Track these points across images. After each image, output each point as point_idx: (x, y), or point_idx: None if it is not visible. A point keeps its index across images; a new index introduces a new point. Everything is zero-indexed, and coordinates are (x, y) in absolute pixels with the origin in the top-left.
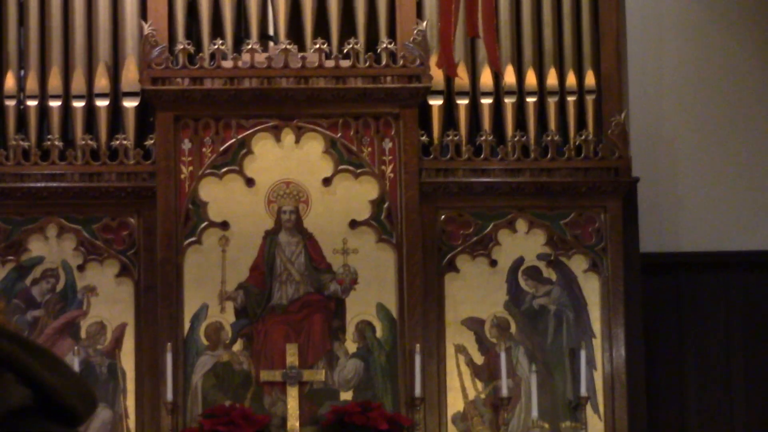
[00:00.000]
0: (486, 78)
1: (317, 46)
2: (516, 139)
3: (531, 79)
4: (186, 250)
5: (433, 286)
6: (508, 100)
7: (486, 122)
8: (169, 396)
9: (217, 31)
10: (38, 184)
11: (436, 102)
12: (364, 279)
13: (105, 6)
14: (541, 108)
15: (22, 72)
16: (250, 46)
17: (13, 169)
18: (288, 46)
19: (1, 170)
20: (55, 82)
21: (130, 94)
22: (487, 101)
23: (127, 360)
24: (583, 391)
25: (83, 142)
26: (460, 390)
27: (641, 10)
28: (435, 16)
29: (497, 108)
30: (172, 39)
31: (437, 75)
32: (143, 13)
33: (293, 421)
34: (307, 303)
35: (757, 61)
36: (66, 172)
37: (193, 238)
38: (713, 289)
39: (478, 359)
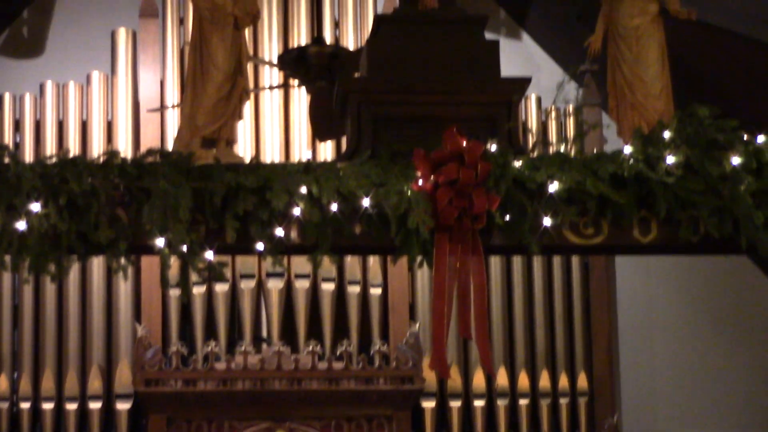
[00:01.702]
0: (479, 380)
1: (310, 348)
2: None
3: (523, 381)
4: None
5: None
6: (501, 402)
7: (479, 424)
8: None
9: (210, 332)
10: None
11: (428, 404)
12: None
13: (99, 309)
14: (533, 410)
15: (16, 374)
16: (243, 348)
17: None
18: (281, 348)
19: None
20: (48, 384)
21: (123, 396)
22: (479, 403)
23: None
24: None
25: None
26: None
27: (633, 312)
28: (427, 317)
29: (490, 410)
30: (165, 341)
31: (430, 376)
32: (137, 316)
33: None
34: None
35: (748, 362)
36: None
37: None
38: None
39: None
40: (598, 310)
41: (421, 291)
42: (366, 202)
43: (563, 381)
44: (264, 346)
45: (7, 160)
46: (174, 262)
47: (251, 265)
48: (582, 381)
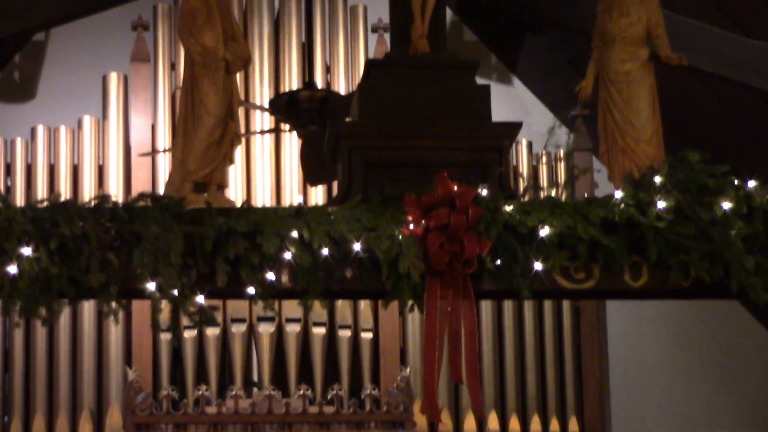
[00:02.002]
0: (470, 424)
1: (301, 392)
2: None
3: (514, 425)
4: None
5: None
6: None
7: None
8: None
9: (201, 376)
10: None
11: None
12: None
13: (90, 353)
14: None
15: (6, 418)
16: (234, 392)
17: None
18: (272, 392)
19: None
20: (39, 427)
21: None
22: None
23: None
24: None
25: None
26: None
27: (624, 356)
28: (418, 361)
29: None
30: (156, 385)
31: (421, 421)
32: (128, 360)
33: None
34: None
35: (739, 406)
36: None
37: None
38: None
39: None
40: (589, 354)
41: (412, 335)
42: (357, 246)
43: (554, 425)
44: (255, 390)
45: None
46: (165, 306)
47: (242, 309)
48: (573, 425)
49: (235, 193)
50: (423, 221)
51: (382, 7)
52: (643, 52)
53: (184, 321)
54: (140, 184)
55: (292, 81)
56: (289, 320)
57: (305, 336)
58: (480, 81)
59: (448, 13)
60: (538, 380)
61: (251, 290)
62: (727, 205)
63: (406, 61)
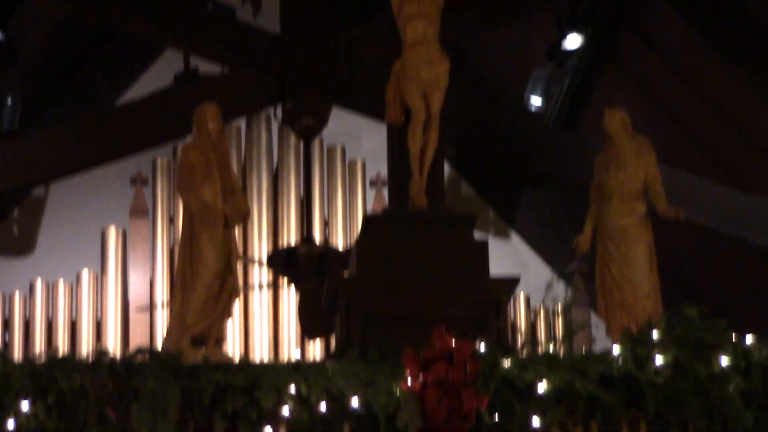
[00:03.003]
0: None
1: None
2: None
3: None
4: None
5: None
6: None
7: None
8: None
9: None
10: None
11: None
12: None
13: None
14: None
15: None
16: None
17: None
18: None
19: None
20: None
21: None
22: None
23: None
24: None
25: None
26: None
27: None
28: None
29: None
30: None
31: None
32: None
33: None
34: None
35: None
36: None
37: None
38: None
39: None
40: None
41: None
42: (355, 401)
43: None
44: None
45: None
46: None
47: None
48: None
49: (233, 348)
50: (421, 376)
51: (381, 162)
52: (641, 207)
53: None
54: (138, 338)
55: (290, 235)
56: None
57: None
58: (478, 235)
59: (446, 167)
60: None
61: None
62: (725, 361)
63: (405, 216)
